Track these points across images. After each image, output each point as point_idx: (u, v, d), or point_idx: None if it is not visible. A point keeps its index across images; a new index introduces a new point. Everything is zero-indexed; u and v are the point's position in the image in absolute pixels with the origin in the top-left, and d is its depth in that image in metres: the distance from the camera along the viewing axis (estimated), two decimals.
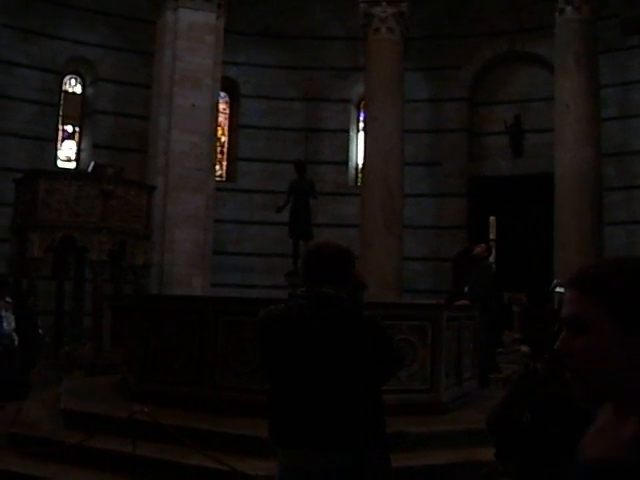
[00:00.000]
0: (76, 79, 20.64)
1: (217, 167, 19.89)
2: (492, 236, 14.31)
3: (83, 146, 20.34)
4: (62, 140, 20.33)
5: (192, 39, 16.90)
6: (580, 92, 16.42)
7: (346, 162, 21.57)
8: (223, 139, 21.54)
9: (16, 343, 7.33)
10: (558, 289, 5.22)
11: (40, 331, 12.02)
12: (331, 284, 3.45)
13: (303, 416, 3.35)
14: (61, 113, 20.27)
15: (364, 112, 20.14)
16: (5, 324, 9.24)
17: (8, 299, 10.67)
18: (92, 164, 15.11)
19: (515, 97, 20.21)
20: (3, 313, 7.77)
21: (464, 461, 6.78)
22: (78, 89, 20.75)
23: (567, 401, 2.58)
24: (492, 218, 14.35)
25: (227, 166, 21.65)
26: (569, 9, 16.60)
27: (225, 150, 21.68)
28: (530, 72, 20.25)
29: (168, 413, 6.96)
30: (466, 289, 10.72)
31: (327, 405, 3.32)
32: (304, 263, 3.59)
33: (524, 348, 10.60)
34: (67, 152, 20.32)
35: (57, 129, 20.09)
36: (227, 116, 21.76)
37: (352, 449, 3.32)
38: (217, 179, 19.03)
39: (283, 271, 16.94)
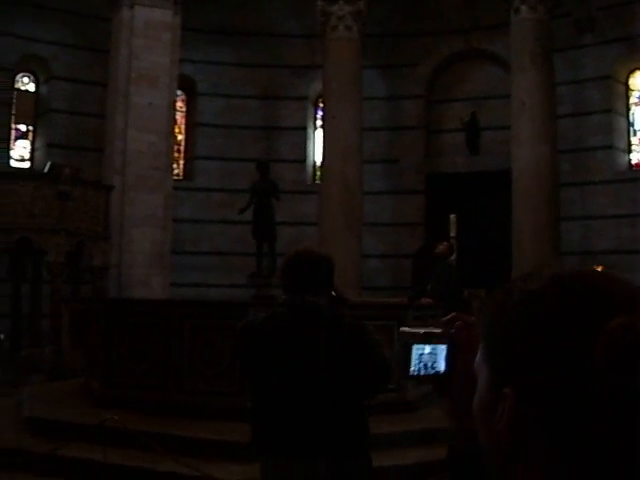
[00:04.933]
0: (29, 77, 20.30)
1: (174, 166, 19.70)
2: (452, 233, 14.39)
3: (37, 145, 20.02)
4: (15, 139, 19.99)
5: (148, 37, 16.69)
6: (536, 90, 16.62)
7: (304, 160, 21.53)
8: (180, 137, 21.34)
9: None
10: None
11: (1, 336, 11.80)
12: (313, 292, 3.43)
13: (286, 425, 3.33)
14: (14, 112, 19.92)
15: (322, 110, 20.12)
16: None
17: None
18: (48, 164, 14.84)
19: (471, 94, 20.37)
20: None
21: (434, 459, 6.81)
22: (31, 87, 20.41)
23: None
24: (452, 216, 14.42)
25: (184, 165, 21.47)
26: (524, 8, 16.76)
27: (182, 149, 21.50)
28: (486, 69, 20.42)
29: (134, 418, 6.88)
30: (429, 287, 10.78)
31: (311, 414, 3.30)
32: (285, 270, 3.55)
33: None
34: (20, 151, 19.98)
35: (10, 128, 19.74)
36: (184, 114, 21.57)
37: (335, 457, 3.30)
38: (174, 178, 18.84)
39: (242, 270, 16.87)
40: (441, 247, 10.93)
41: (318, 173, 20.89)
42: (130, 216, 16.06)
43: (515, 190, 16.83)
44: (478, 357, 0.96)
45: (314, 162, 21.58)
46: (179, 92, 19.98)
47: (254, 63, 20.95)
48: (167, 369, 7.89)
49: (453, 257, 11.43)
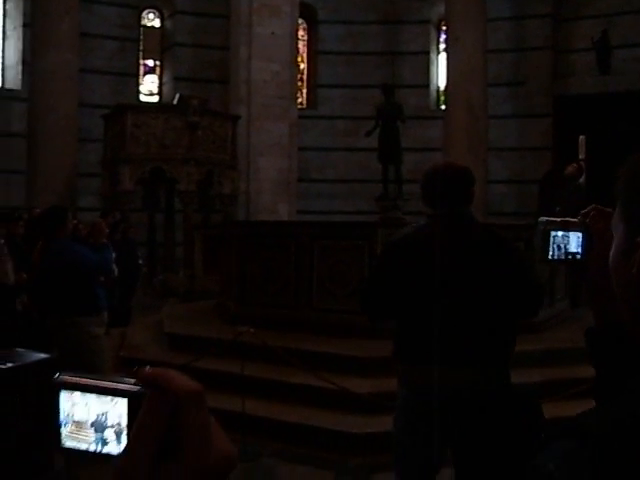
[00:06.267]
0: (154, 13, 20.78)
1: (298, 95, 19.82)
2: (581, 156, 13.97)
3: (165, 79, 20.58)
4: (144, 74, 20.60)
5: None
6: None
7: (427, 85, 21.25)
8: (302, 66, 21.41)
9: (116, 273, 7.65)
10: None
11: (140, 261, 12.39)
12: (460, 204, 3.43)
13: (431, 335, 3.28)
14: (141, 48, 20.50)
15: (445, 33, 19.73)
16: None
17: None
18: (177, 96, 15.26)
19: (603, 11, 19.41)
20: None
21: (559, 379, 6.82)
22: (157, 23, 20.91)
23: None
24: (582, 137, 13.96)
25: (307, 93, 21.59)
26: None
27: (304, 77, 21.59)
28: None
29: (268, 335, 7.13)
30: (557, 209, 10.58)
31: (458, 323, 3.31)
32: (426, 184, 3.50)
33: None
34: (149, 86, 20.62)
35: (138, 64, 20.35)
36: (305, 43, 21.59)
37: (477, 368, 3.31)
38: (298, 107, 18.98)
39: (366, 197, 16.97)
40: (570, 168, 10.67)
41: (442, 98, 20.61)
42: (256, 145, 16.37)
43: None
44: (614, 217, 1.04)
45: (438, 87, 21.27)
46: (300, 20, 19.97)
47: None
48: (298, 288, 8.15)
49: (582, 179, 11.13)
